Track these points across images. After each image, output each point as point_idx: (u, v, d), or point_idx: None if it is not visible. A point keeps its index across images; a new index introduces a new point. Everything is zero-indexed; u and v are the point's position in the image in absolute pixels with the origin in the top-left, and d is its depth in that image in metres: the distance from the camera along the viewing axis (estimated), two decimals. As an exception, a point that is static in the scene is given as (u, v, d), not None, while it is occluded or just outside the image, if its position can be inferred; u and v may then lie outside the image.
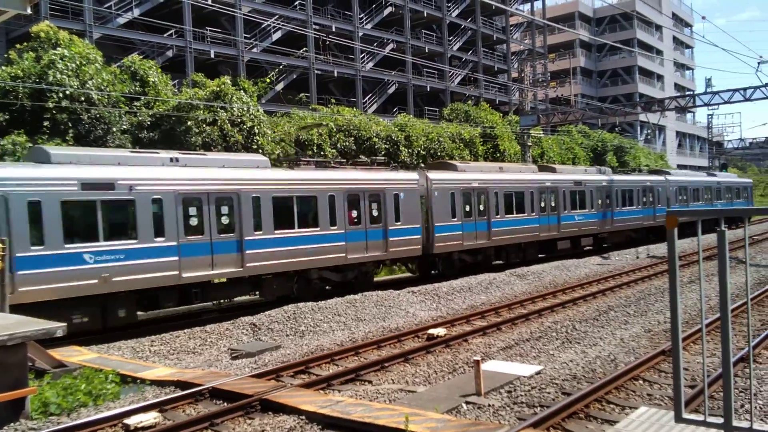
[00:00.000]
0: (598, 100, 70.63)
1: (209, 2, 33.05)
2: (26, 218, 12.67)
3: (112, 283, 13.75)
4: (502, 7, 52.93)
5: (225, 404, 8.89)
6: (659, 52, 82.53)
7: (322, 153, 27.27)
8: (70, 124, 19.65)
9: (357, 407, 8.13)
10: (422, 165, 29.53)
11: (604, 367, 10.07)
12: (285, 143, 26.08)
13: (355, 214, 18.89)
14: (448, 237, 21.83)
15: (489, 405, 8.53)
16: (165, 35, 33.08)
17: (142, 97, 22.74)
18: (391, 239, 19.79)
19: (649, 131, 75.76)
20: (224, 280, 16.40)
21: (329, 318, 14.94)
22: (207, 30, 34.92)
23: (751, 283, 18.86)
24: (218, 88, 24.64)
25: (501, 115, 44.30)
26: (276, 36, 38.09)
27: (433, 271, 22.77)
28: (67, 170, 13.55)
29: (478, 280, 20.07)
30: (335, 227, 18.20)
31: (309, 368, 11.04)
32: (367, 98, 43.85)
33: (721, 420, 4.44)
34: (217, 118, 23.55)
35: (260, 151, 24.53)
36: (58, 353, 11.23)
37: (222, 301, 17.89)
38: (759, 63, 30.36)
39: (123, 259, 13.91)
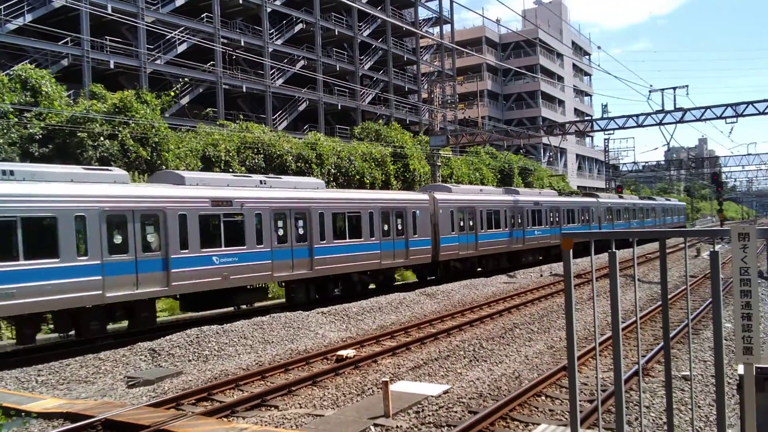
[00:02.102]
0: (504, 123, 73.34)
1: (109, 11, 31.67)
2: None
3: None
4: (412, 29, 54.18)
5: (118, 437, 8.33)
6: (560, 79, 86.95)
7: (230, 169, 26.60)
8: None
9: (260, 435, 7.83)
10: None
11: (509, 385, 10.24)
12: (190, 158, 25.24)
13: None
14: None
15: (397, 426, 8.44)
16: (60, 43, 31.31)
17: (33, 108, 21.35)
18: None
19: (551, 153, 79.29)
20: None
21: (235, 341, 14.43)
22: (106, 39, 33.39)
23: (646, 299, 19.94)
24: (121, 103, 23.54)
25: (411, 134, 45.00)
26: (181, 48, 36.93)
27: None
28: None
29: (388, 299, 20.07)
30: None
31: (212, 395, 10.57)
32: (277, 115, 43.35)
33: (615, 437, 4.54)
34: (118, 132, 22.46)
35: (164, 167, 23.60)
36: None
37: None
38: (650, 92, 32.35)
39: None
